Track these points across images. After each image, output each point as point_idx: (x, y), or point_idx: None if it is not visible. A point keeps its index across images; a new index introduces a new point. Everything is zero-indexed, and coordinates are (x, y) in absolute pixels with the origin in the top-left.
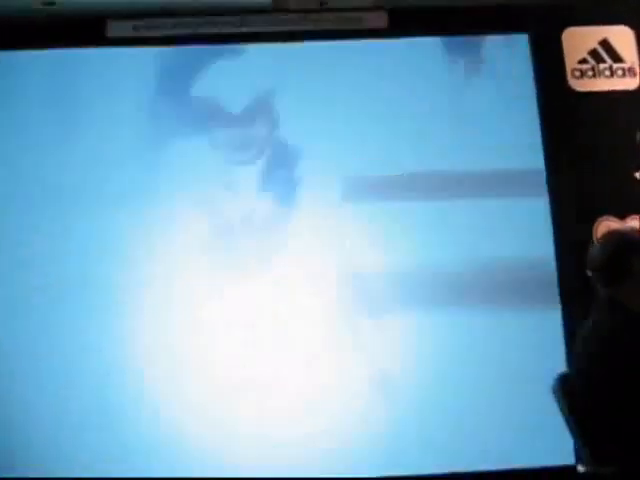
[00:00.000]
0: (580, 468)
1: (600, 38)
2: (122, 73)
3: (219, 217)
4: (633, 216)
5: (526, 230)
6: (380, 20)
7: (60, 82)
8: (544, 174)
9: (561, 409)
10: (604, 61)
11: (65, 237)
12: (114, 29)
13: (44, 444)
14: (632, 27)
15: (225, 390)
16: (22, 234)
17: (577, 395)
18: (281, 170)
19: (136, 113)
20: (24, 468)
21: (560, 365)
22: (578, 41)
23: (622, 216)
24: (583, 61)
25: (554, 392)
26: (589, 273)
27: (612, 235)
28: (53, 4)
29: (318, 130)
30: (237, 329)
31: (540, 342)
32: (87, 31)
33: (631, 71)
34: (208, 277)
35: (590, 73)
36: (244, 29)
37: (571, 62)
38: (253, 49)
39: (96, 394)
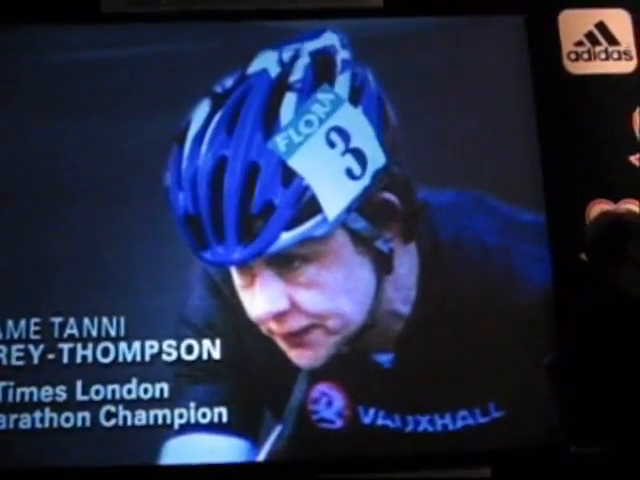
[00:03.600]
0: (570, 449)
1: (596, 21)
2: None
3: None
4: (626, 200)
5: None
6: None
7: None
8: (538, 156)
9: (552, 390)
10: (600, 44)
11: None
12: (109, 4)
13: None
14: (629, 10)
15: None
16: None
17: (568, 377)
18: None
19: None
20: None
21: (551, 347)
22: (575, 23)
23: (615, 200)
24: (579, 44)
25: (545, 374)
26: (583, 256)
27: (605, 217)
28: None
29: None
30: None
31: (529, 321)
32: (81, 6)
33: (627, 54)
34: None
35: (586, 56)
36: (238, 6)
37: (567, 45)
38: (246, 27)
39: None
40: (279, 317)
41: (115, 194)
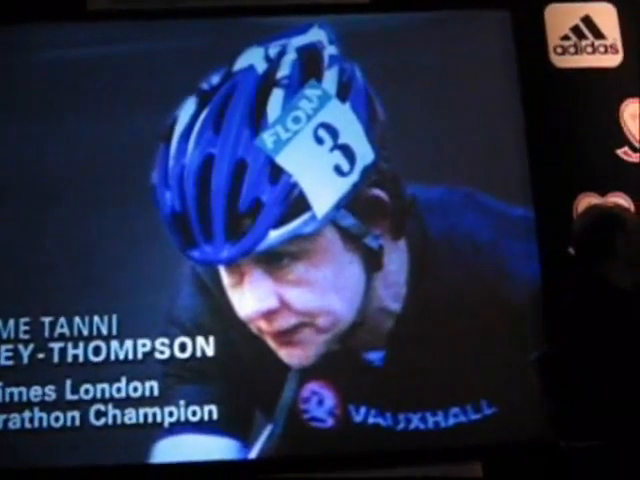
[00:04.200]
0: (561, 444)
1: (582, 14)
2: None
3: None
4: (614, 193)
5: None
6: None
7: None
8: (526, 150)
9: (541, 385)
10: (586, 38)
11: None
12: (94, 1)
13: None
14: (614, 4)
15: None
16: None
17: (559, 370)
18: None
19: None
20: None
21: (541, 341)
22: (560, 17)
23: (603, 193)
24: (565, 38)
25: (535, 367)
26: (571, 250)
27: (593, 210)
28: None
29: None
30: None
31: (520, 317)
32: (66, 4)
33: (613, 48)
34: None
35: (572, 50)
36: (224, 3)
37: (553, 39)
38: (232, 23)
39: None
40: (268, 316)
41: (102, 193)
